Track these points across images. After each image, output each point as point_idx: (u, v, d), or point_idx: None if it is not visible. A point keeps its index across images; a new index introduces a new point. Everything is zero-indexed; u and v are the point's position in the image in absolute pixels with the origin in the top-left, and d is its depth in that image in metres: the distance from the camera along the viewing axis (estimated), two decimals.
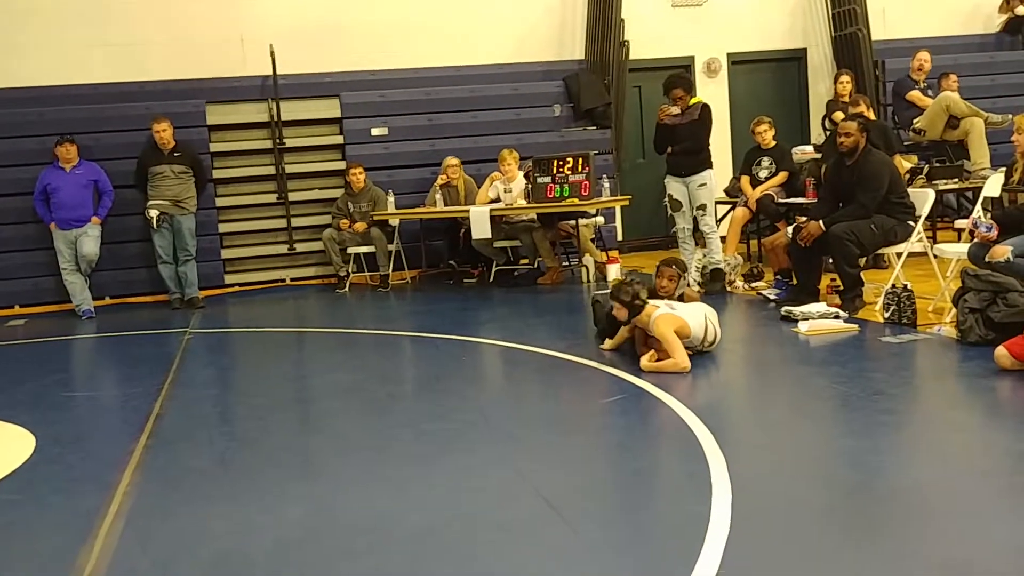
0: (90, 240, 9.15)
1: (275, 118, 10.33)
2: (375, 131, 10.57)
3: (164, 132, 9.23)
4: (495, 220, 9.09)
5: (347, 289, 9.78)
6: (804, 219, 6.99)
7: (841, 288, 6.66)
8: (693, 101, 7.91)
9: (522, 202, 9.33)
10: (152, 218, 9.15)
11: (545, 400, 5.14)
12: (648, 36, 11.30)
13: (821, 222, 6.60)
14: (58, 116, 9.77)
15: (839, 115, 9.19)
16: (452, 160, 9.88)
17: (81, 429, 5.07)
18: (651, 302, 5.49)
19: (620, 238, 11.42)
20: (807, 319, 6.14)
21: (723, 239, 8.45)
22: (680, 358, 5.19)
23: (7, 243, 9.64)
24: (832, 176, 6.91)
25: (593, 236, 9.90)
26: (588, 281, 9.14)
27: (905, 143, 9.88)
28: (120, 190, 9.40)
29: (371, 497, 3.64)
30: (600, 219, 9.87)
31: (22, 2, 9.96)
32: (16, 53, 9.92)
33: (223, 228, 10.30)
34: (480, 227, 8.97)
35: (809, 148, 9.76)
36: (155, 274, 9.52)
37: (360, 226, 9.75)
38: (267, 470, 4.08)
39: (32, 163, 9.42)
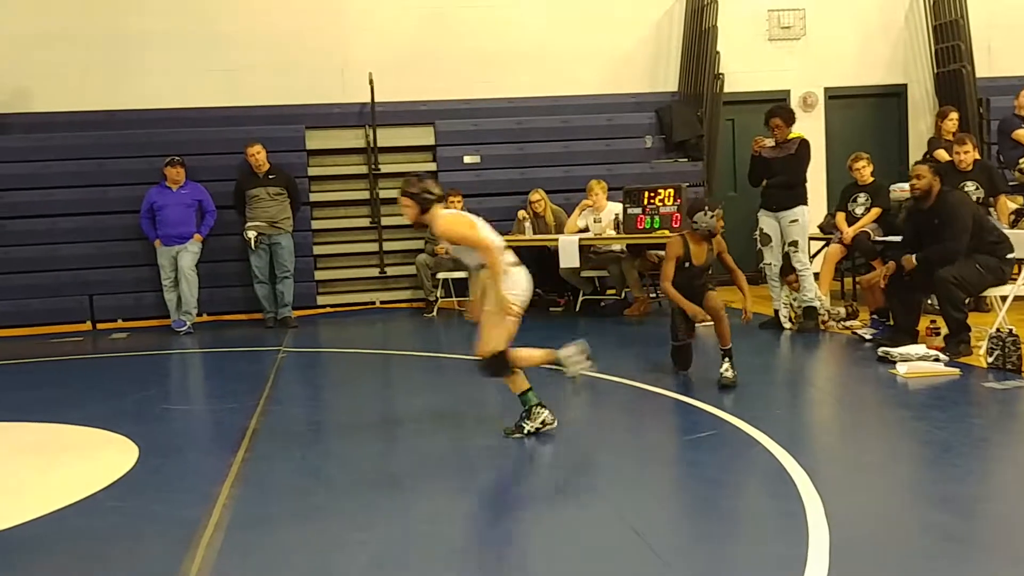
0: (188, 255, 9.52)
1: (371, 144, 10.56)
2: (467, 159, 10.71)
3: (258, 155, 9.56)
4: (583, 249, 9.11)
5: (435, 313, 9.89)
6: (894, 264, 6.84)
7: (941, 331, 6.47)
8: (792, 135, 7.80)
9: (611, 232, 9.33)
10: (250, 239, 9.44)
11: (632, 432, 5.11)
12: (744, 69, 11.21)
13: (913, 256, 6.48)
14: (166, 138, 10.15)
15: (942, 153, 8.99)
16: (534, 196, 9.89)
17: (181, 441, 5.22)
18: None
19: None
20: (905, 361, 5.98)
21: (816, 276, 8.28)
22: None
23: (113, 259, 10.03)
24: (910, 221, 6.77)
25: None
26: None
27: (1010, 183, 9.57)
28: (219, 211, 9.72)
29: (462, 518, 3.67)
30: None
31: (136, 28, 10.40)
32: (129, 76, 10.35)
33: (317, 250, 10.54)
34: (568, 256, 8.99)
35: (907, 186, 9.53)
36: (251, 293, 9.78)
37: None
38: (360, 488, 4.15)
39: (139, 183, 9.79)
